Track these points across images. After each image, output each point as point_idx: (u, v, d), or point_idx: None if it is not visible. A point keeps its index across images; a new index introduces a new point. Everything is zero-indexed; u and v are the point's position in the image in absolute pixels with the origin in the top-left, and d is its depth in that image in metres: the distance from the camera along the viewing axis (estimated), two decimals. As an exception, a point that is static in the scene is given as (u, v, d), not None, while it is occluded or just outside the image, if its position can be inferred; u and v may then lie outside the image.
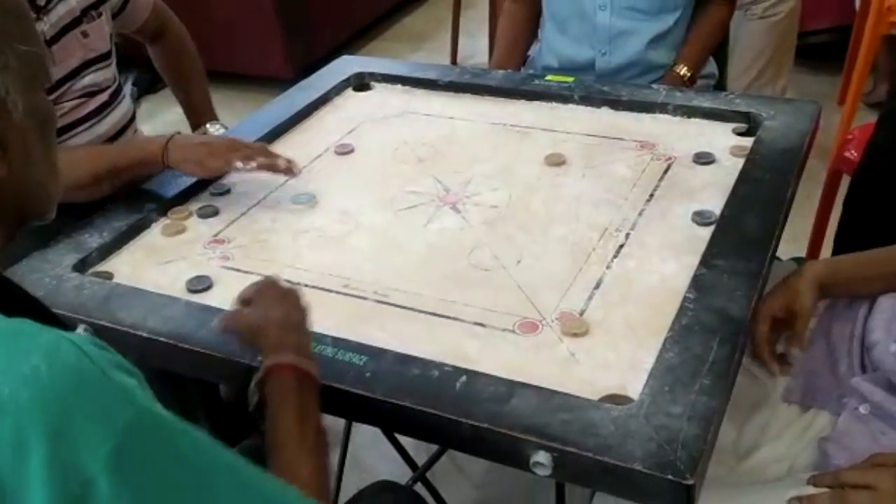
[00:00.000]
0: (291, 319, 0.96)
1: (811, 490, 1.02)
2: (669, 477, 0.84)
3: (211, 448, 0.67)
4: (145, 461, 0.62)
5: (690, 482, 0.83)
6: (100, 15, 1.61)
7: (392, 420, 0.96)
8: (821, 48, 3.16)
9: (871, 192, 1.68)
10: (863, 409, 1.12)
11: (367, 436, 1.69)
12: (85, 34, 1.58)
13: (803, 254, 1.84)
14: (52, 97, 1.50)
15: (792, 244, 1.84)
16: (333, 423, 1.28)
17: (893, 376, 1.10)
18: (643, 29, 1.75)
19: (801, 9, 2.79)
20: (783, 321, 1.14)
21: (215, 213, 1.37)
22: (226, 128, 1.77)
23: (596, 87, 1.63)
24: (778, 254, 1.26)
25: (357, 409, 0.98)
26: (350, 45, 3.70)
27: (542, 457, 0.88)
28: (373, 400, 0.96)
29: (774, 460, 1.17)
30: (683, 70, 1.75)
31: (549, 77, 1.69)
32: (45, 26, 1.50)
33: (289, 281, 1.18)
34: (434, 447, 1.51)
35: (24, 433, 0.59)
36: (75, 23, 1.57)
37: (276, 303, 0.98)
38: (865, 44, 2.58)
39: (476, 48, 3.68)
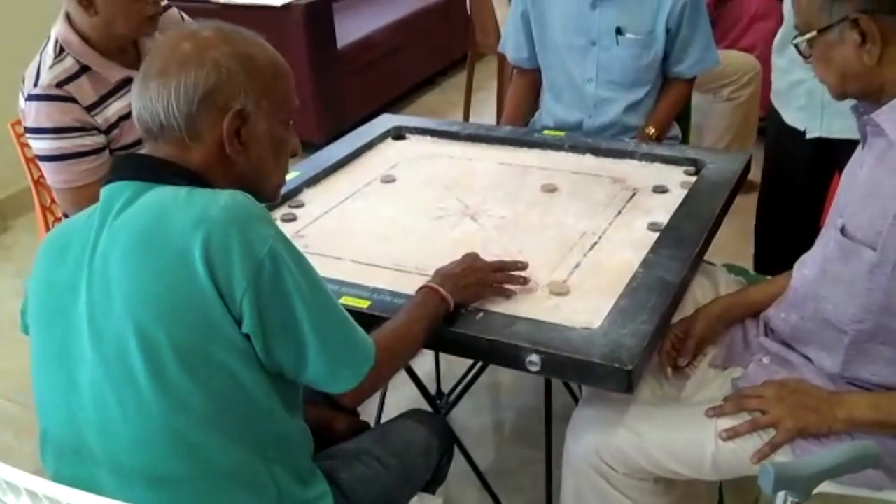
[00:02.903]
0: (460, 274, 1.45)
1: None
2: (616, 365, 1.28)
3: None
4: (286, 257, 1.13)
5: (629, 368, 1.28)
6: None
7: (435, 339, 1.39)
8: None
9: (772, 199, 2.21)
10: (766, 360, 1.56)
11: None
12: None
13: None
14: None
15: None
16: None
17: (784, 335, 1.55)
18: (621, 98, 2.26)
19: (762, 94, 3.31)
20: (682, 339, 1.60)
21: (294, 218, 1.83)
22: None
23: (582, 139, 2.13)
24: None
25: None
26: (372, 118, 4.24)
27: (534, 357, 1.33)
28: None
29: (706, 402, 1.60)
30: (652, 130, 2.24)
31: (545, 131, 2.19)
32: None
33: (356, 261, 1.65)
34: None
35: (228, 234, 1.09)
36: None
37: (461, 264, 1.48)
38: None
39: (484, 124, 4.20)
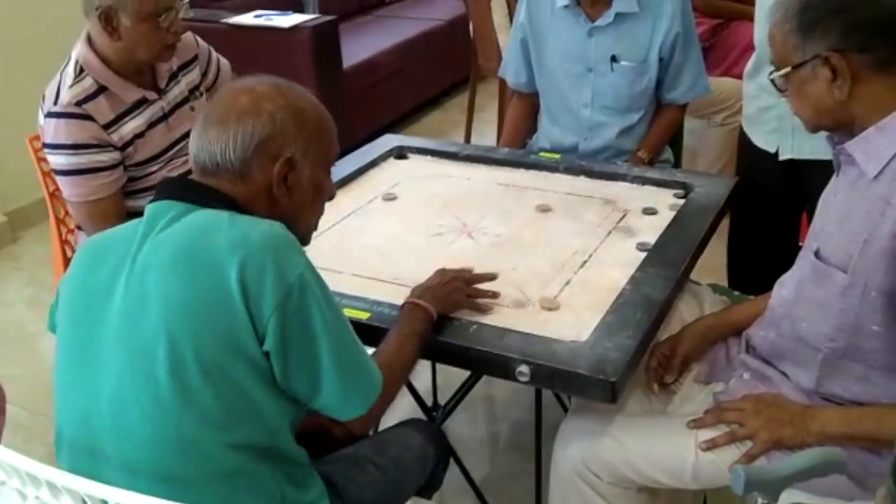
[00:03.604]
0: (437, 286, 1.54)
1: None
2: (601, 377, 1.36)
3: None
4: (314, 285, 1.22)
5: (613, 380, 1.35)
6: (202, 94, 2.20)
7: (431, 349, 1.47)
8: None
9: (743, 219, 2.28)
10: (746, 376, 1.64)
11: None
12: (192, 108, 2.16)
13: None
14: (170, 153, 2.09)
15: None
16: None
17: (763, 352, 1.62)
18: (615, 122, 2.35)
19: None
20: (668, 357, 1.68)
21: (298, 234, 1.91)
22: None
23: (576, 162, 2.21)
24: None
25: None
26: (377, 137, 4.33)
27: (524, 368, 1.41)
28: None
29: (688, 415, 1.68)
30: (644, 154, 2.33)
31: (542, 154, 2.28)
32: (164, 103, 2.08)
33: (356, 275, 1.73)
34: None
35: (263, 257, 1.18)
36: (184, 101, 2.15)
37: (436, 278, 1.57)
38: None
39: (485, 143, 4.29)
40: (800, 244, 2.28)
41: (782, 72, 1.41)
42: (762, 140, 2.14)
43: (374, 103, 4.37)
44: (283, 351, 1.20)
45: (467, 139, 4.13)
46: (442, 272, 1.60)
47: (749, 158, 2.23)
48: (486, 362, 1.45)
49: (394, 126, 4.55)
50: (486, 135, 4.29)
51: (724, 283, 2.13)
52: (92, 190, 1.94)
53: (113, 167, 1.95)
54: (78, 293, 1.28)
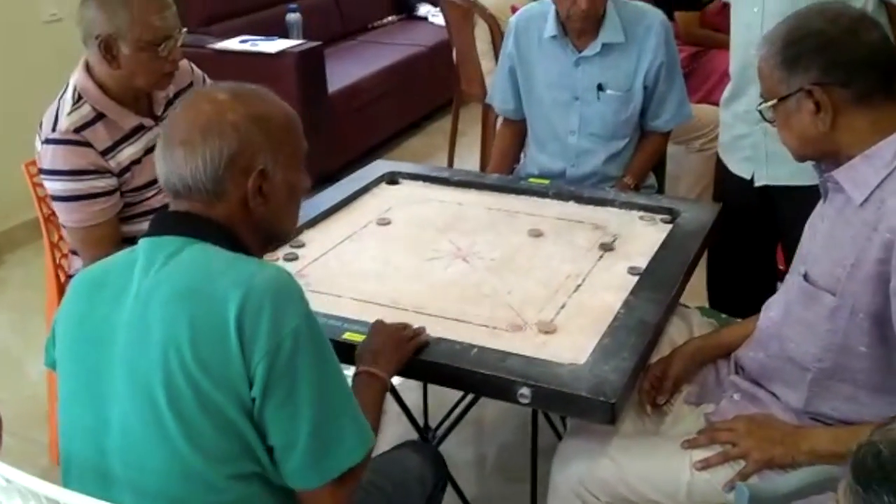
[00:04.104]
0: (384, 347, 1.51)
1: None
2: (601, 399, 1.40)
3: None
4: (308, 339, 1.20)
5: (613, 401, 1.39)
6: None
7: (433, 373, 1.51)
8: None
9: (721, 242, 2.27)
10: (736, 397, 1.68)
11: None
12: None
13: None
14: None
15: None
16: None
17: (753, 373, 1.67)
18: (601, 149, 2.40)
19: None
20: (660, 378, 1.72)
21: (296, 258, 1.94)
22: None
23: (565, 187, 2.26)
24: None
25: (413, 367, 1.53)
26: (361, 160, 4.38)
27: (525, 391, 1.44)
28: (423, 361, 1.53)
29: (681, 435, 1.72)
30: (629, 180, 2.39)
31: (531, 179, 2.33)
32: (160, 130, 2.11)
33: (355, 299, 1.76)
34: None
35: (263, 300, 1.17)
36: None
37: (380, 337, 1.54)
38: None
39: (467, 167, 4.34)
40: (780, 267, 2.36)
41: (769, 103, 1.48)
42: (737, 167, 2.21)
43: (358, 127, 4.41)
44: (263, 400, 1.18)
45: (450, 163, 4.18)
46: (381, 325, 1.58)
47: (726, 184, 2.30)
48: (487, 385, 1.49)
49: (377, 150, 4.59)
50: (468, 159, 4.33)
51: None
52: (89, 216, 1.95)
53: (110, 193, 1.97)
54: (77, 325, 1.28)
